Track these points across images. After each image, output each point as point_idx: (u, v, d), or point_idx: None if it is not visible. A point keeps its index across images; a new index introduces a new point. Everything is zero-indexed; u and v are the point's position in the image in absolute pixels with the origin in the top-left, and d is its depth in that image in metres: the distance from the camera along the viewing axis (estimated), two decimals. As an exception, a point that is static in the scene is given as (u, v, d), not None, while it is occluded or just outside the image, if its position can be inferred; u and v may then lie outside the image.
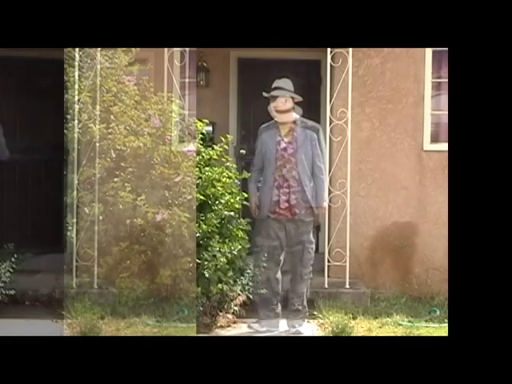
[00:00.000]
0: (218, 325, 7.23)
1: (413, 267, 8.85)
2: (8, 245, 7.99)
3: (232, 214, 7.50)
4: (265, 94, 7.40)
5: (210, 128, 8.79)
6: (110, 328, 6.97)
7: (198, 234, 7.15)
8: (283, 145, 7.30)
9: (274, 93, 7.33)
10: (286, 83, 7.39)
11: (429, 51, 8.85)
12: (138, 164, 7.58)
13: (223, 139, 7.70)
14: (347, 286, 8.26)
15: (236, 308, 7.35)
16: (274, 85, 7.40)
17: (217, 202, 7.38)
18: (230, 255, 7.23)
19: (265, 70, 9.68)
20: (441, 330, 7.21)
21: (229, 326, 7.29)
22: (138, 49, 7.89)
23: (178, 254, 7.30)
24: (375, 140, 8.91)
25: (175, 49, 8.19)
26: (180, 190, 7.45)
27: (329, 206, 8.53)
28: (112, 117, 7.75)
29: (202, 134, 7.63)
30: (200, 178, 7.37)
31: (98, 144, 7.76)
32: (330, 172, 8.42)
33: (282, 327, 7.30)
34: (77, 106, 7.81)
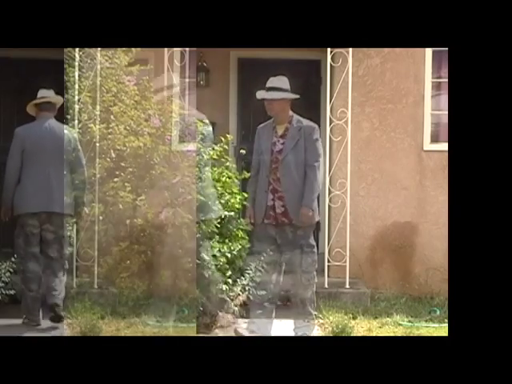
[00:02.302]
0: (218, 325, 7.22)
1: (413, 267, 8.85)
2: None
3: (232, 214, 7.50)
4: (259, 96, 7.11)
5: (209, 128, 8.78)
6: (110, 328, 6.98)
7: (198, 234, 7.15)
8: (278, 146, 6.99)
9: (268, 95, 7.02)
10: (281, 81, 7.08)
11: (429, 51, 8.85)
12: (137, 164, 7.59)
13: (223, 139, 7.70)
14: (347, 286, 8.26)
15: (236, 308, 7.35)
16: (269, 84, 7.09)
17: (217, 202, 7.37)
18: (229, 255, 7.23)
19: (265, 70, 9.63)
20: (441, 330, 7.21)
21: (229, 326, 7.29)
22: (138, 49, 7.89)
23: (178, 254, 7.30)
24: (375, 140, 8.92)
25: (175, 49, 8.19)
26: (180, 190, 7.46)
27: (329, 206, 8.55)
28: (112, 117, 7.76)
29: (202, 134, 7.63)
30: (200, 178, 7.37)
31: (97, 144, 7.77)
32: (330, 172, 8.43)
33: (274, 331, 7.09)
34: (77, 106, 7.82)
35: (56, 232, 7.29)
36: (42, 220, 7.26)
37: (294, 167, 6.92)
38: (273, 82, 7.09)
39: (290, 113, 7.11)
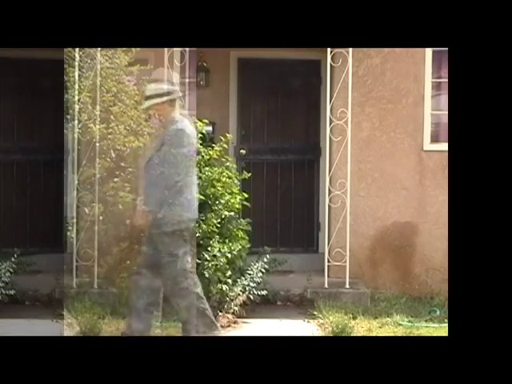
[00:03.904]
0: (218, 325, 7.22)
1: (413, 267, 8.85)
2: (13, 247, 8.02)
3: (232, 214, 7.49)
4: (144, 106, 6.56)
5: (209, 128, 8.80)
6: (110, 328, 6.97)
7: (197, 234, 7.15)
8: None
9: (146, 104, 6.47)
10: (150, 90, 6.44)
11: (429, 51, 8.85)
12: (137, 164, 7.59)
13: (223, 139, 7.69)
14: (347, 286, 8.26)
15: (236, 308, 7.36)
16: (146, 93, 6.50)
17: (217, 202, 7.38)
18: (229, 255, 7.22)
19: (265, 70, 9.69)
20: (441, 329, 7.21)
21: (229, 325, 7.29)
22: (137, 49, 7.89)
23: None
24: (375, 140, 8.91)
25: (175, 49, 8.19)
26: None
27: (329, 206, 8.55)
28: (112, 117, 7.76)
29: (202, 133, 7.63)
30: (200, 177, 7.37)
31: (97, 144, 7.77)
32: (330, 172, 8.43)
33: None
34: (77, 106, 7.82)
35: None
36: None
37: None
38: (146, 90, 6.54)
39: (176, 117, 6.39)
